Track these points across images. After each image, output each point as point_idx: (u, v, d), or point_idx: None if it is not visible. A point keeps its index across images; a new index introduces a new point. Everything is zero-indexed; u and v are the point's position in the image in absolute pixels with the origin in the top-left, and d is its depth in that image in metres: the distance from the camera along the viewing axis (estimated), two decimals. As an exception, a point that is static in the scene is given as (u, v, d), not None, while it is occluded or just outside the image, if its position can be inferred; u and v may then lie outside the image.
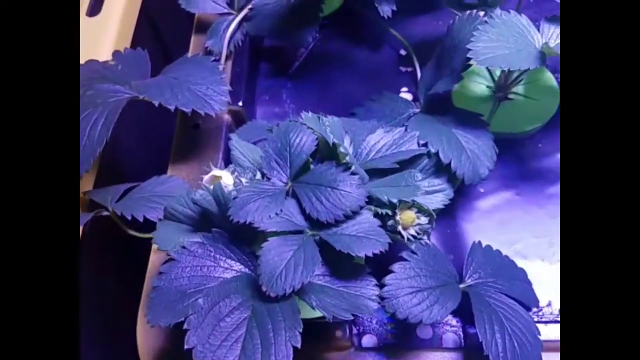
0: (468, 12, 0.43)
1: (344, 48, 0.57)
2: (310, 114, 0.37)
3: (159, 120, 0.55)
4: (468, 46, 0.39)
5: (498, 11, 0.46)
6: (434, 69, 0.46)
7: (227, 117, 0.49)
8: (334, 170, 0.34)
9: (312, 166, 0.34)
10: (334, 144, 0.34)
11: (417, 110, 0.47)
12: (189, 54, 0.54)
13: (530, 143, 0.49)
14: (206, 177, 0.37)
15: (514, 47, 0.40)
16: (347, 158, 0.34)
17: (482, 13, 0.42)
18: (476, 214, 0.46)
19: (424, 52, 0.53)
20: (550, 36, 0.42)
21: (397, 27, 0.55)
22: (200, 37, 0.54)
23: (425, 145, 0.40)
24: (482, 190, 0.47)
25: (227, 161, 0.47)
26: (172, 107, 0.40)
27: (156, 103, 0.40)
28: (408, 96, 0.53)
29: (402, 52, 0.56)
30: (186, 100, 0.41)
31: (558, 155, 0.48)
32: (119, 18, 0.51)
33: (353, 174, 0.34)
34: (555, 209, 0.46)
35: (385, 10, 0.52)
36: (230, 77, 0.51)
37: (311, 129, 0.35)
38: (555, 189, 0.47)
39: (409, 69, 0.55)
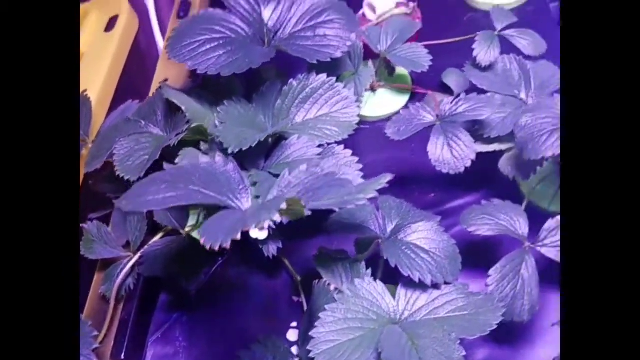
0: (323, 280, 0.44)
1: (243, 274, 0.58)
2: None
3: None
4: (310, 333, 0.39)
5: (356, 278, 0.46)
6: (308, 325, 0.46)
7: (110, 372, 0.49)
8: None
9: None
10: None
11: (298, 361, 0.47)
12: (89, 296, 0.55)
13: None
14: None
15: (361, 327, 0.40)
16: None
17: (332, 287, 0.42)
18: None
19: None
20: (407, 303, 0.42)
21: (291, 252, 0.56)
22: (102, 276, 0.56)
23: None
24: None
25: None
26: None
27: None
28: (296, 334, 0.52)
29: (299, 278, 0.57)
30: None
31: None
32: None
33: None
34: None
35: (272, 249, 0.53)
36: (118, 325, 0.52)
37: None
38: None
39: (301, 299, 0.55)
